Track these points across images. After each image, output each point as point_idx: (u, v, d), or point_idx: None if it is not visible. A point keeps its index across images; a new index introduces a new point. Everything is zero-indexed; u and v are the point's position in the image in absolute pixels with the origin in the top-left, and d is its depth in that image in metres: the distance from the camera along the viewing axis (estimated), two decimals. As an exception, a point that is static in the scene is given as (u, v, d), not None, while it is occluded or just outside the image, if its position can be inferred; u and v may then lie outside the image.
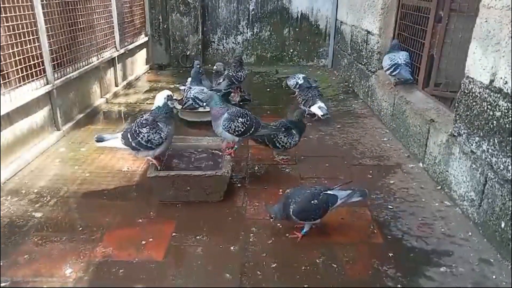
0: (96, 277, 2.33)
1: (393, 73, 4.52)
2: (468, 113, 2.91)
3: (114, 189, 3.30)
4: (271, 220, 2.71)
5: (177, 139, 3.57)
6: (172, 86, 6.49)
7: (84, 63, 4.89)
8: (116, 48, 5.96)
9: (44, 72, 3.97)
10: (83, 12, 4.88)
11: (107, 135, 3.27)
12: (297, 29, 7.97)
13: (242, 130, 3.28)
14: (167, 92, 3.22)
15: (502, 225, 2.48)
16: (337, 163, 3.83)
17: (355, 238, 2.72)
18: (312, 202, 2.58)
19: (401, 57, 4.49)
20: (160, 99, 3.18)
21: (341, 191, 2.68)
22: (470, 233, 2.74)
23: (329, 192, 2.66)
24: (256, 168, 3.69)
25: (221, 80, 5.24)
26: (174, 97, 3.32)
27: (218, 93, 4.47)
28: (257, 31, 7.98)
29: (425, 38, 4.18)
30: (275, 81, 6.86)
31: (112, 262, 2.45)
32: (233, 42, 8.02)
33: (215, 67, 5.52)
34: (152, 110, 3.21)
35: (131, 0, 6.76)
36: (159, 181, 3.02)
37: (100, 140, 3.20)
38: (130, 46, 6.56)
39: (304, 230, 2.68)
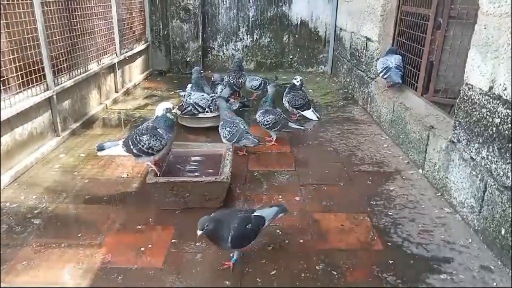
0: (95, 283, 2.32)
1: (384, 76, 4.65)
2: (468, 119, 2.92)
3: (113, 195, 3.30)
4: (199, 234, 2.25)
5: (177, 145, 3.58)
6: (172, 92, 6.51)
7: (84, 69, 4.91)
8: (116, 54, 5.97)
9: (45, 78, 3.98)
10: (84, 18, 4.90)
11: (107, 143, 3.29)
12: (296, 36, 8.01)
13: (229, 137, 3.85)
14: (167, 105, 3.23)
15: (503, 232, 2.47)
16: (336, 169, 3.83)
17: (355, 245, 2.71)
18: (247, 226, 2.38)
19: (393, 60, 4.59)
20: (159, 110, 3.21)
21: (265, 211, 2.56)
22: (470, 240, 2.73)
23: (257, 214, 2.50)
24: (256, 174, 3.69)
25: (218, 89, 5.29)
26: (174, 110, 3.34)
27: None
28: (257, 38, 8.01)
29: (424, 45, 4.20)
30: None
31: (111, 268, 2.44)
32: (233, 49, 8.04)
33: (212, 78, 5.57)
34: (153, 120, 3.23)
35: (131, 6, 6.80)
36: (159, 187, 3.01)
37: (101, 149, 3.23)
38: (130, 52, 6.58)
39: (234, 258, 2.46)
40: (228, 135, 3.85)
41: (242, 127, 3.88)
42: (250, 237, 2.41)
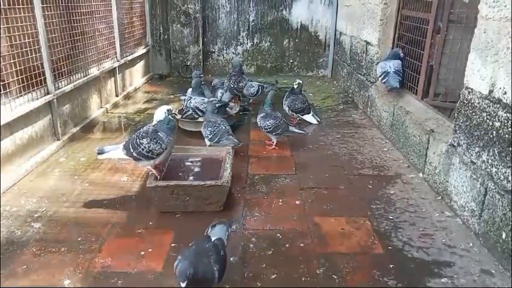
0: (95, 288, 2.32)
1: (383, 81, 4.66)
2: (468, 123, 2.92)
3: (113, 199, 3.29)
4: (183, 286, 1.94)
5: (177, 148, 3.58)
6: (172, 96, 6.52)
7: (85, 73, 4.92)
8: (116, 58, 5.99)
9: (45, 82, 3.99)
10: (84, 22, 4.91)
11: (107, 146, 3.29)
12: (296, 40, 8.02)
13: (210, 136, 3.95)
14: (166, 107, 3.26)
15: (503, 236, 2.47)
16: (337, 173, 3.82)
17: (355, 248, 2.70)
18: (221, 254, 2.17)
19: (392, 65, 4.59)
20: (160, 113, 3.21)
21: (217, 231, 2.35)
22: (471, 244, 2.73)
23: (216, 238, 2.27)
24: (256, 178, 3.68)
25: (218, 93, 5.30)
26: (173, 111, 3.34)
27: (217, 105, 4.56)
28: (257, 42, 8.03)
29: (424, 49, 4.21)
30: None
31: (111, 272, 2.43)
32: (233, 53, 8.06)
33: (212, 83, 5.59)
34: (154, 124, 3.22)
35: (132, 11, 6.82)
36: (159, 191, 3.01)
37: (101, 152, 3.23)
38: (131, 57, 6.59)
39: None
40: (210, 134, 3.94)
41: (223, 127, 3.96)
42: (225, 264, 2.20)
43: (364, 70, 5.79)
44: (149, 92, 6.87)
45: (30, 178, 3.58)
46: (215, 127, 3.95)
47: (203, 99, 4.75)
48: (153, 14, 7.69)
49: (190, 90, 5.07)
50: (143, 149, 3.09)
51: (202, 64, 7.93)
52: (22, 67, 3.63)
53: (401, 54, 4.66)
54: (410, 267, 2.52)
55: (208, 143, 3.98)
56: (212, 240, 2.24)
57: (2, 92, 3.35)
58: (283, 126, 4.26)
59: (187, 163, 3.56)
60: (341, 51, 7.24)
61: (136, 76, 7.08)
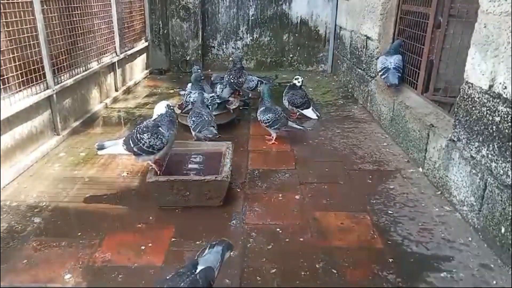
0: (95, 282, 2.32)
1: (382, 77, 4.65)
2: (468, 118, 2.92)
3: (113, 194, 3.30)
4: None
5: (177, 143, 3.58)
6: (172, 91, 6.51)
7: (84, 68, 4.91)
8: (116, 53, 5.97)
9: (44, 77, 3.98)
10: (83, 17, 4.89)
11: (107, 142, 3.27)
12: (296, 34, 8.00)
13: (193, 126, 4.04)
14: (166, 102, 3.28)
15: (502, 230, 2.48)
16: (336, 168, 3.83)
17: (355, 243, 2.71)
18: None
19: (392, 61, 4.58)
20: (161, 107, 3.21)
21: (209, 257, 2.09)
22: (470, 238, 2.74)
23: (202, 268, 2.01)
24: (256, 173, 3.69)
25: (218, 88, 5.29)
26: (172, 107, 3.35)
27: (218, 101, 4.55)
28: (257, 36, 8.01)
29: (424, 44, 4.20)
30: (274, 86, 6.86)
31: (111, 267, 2.44)
32: (233, 47, 8.04)
33: (212, 78, 5.58)
34: (155, 118, 3.22)
35: (131, 5, 6.79)
36: (159, 186, 3.01)
37: (101, 147, 3.21)
38: (130, 51, 6.57)
39: None
40: (193, 124, 4.03)
41: (206, 118, 3.99)
42: None
43: (364, 65, 5.78)
44: (149, 86, 6.86)
45: (30, 173, 3.58)
46: (198, 117, 4.00)
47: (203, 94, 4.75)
48: (152, 8, 7.66)
49: (189, 85, 5.06)
50: (143, 144, 3.08)
51: (201, 59, 7.92)
52: (21, 62, 3.62)
53: (402, 43, 4.64)
54: (409, 261, 2.53)
55: (193, 132, 4.05)
56: (198, 270, 1.94)
57: (1, 87, 3.35)
58: (282, 120, 4.26)
59: (187, 158, 3.56)
60: (341, 46, 7.23)
61: (136, 71, 7.07)
